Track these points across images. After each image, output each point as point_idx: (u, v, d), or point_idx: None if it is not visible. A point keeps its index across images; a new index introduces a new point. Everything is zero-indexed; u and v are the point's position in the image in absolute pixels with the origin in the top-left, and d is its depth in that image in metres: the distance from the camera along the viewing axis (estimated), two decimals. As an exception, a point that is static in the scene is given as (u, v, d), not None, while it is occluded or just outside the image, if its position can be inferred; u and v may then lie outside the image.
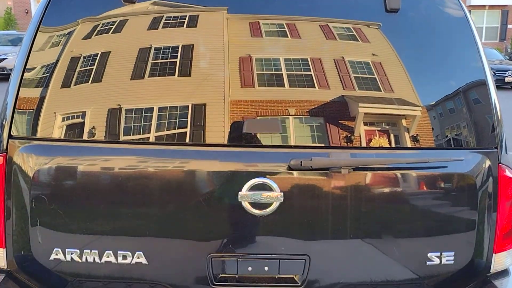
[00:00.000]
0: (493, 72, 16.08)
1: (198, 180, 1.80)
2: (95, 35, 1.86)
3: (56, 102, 1.81)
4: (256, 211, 1.74)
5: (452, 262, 1.84)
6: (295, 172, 1.75)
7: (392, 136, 1.84)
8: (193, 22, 1.87)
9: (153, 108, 1.77)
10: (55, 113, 1.80)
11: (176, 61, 1.81)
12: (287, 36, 1.90)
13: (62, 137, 1.79)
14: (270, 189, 1.73)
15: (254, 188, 1.73)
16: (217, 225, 1.80)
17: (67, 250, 1.79)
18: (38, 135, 1.79)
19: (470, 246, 1.86)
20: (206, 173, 1.79)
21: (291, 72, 1.84)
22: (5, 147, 1.79)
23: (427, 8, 2.01)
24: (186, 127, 1.77)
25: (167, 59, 1.82)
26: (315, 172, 1.75)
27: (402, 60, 1.89)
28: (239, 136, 1.78)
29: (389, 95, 1.85)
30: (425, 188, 1.86)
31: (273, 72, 1.83)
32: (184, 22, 1.87)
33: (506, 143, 1.98)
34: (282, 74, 1.83)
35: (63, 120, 1.81)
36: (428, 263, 1.83)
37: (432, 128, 1.87)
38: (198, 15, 1.89)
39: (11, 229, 1.79)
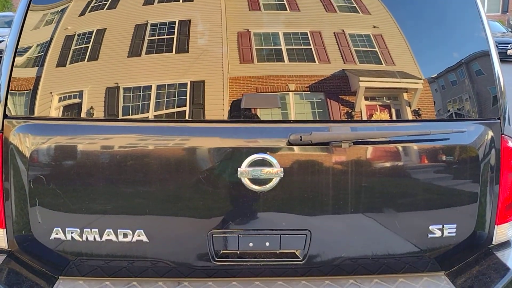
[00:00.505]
0: (496, 44, 16.06)
1: (197, 157, 1.78)
2: (89, 12, 1.82)
3: (51, 81, 1.78)
4: (256, 187, 1.72)
5: (454, 234, 1.84)
6: (295, 147, 1.73)
7: (393, 109, 1.82)
8: None
9: (151, 85, 1.75)
10: (51, 92, 1.77)
11: (173, 38, 1.78)
12: (286, 9, 1.85)
13: (59, 116, 1.77)
14: (270, 164, 1.71)
15: (254, 164, 1.71)
16: (218, 202, 1.78)
17: (67, 229, 1.79)
18: (34, 114, 1.77)
19: (472, 218, 1.86)
20: (205, 150, 1.77)
21: (290, 47, 1.81)
22: (0, 127, 1.77)
23: None
24: (184, 104, 1.74)
25: (164, 35, 1.78)
26: (315, 147, 1.73)
27: (403, 32, 1.86)
28: (238, 111, 1.75)
29: (389, 68, 1.82)
30: (426, 161, 1.83)
31: (272, 47, 1.80)
32: None
33: (510, 115, 1.95)
34: (281, 49, 1.79)
35: (59, 99, 1.78)
36: (429, 235, 1.82)
37: (434, 101, 1.84)
38: None
39: (10, 210, 1.79)
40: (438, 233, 1.83)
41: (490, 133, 1.85)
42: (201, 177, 1.74)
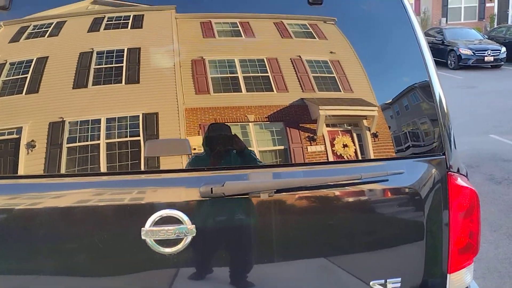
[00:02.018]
0: (473, 52, 16.32)
1: (95, 216, 1.55)
2: (24, 39, 1.61)
3: None
4: (165, 250, 1.50)
5: None
6: (208, 200, 1.51)
7: (320, 150, 1.61)
8: (138, 22, 1.66)
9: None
10: None
11: (122, 66, 1.60)
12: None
13: None
14: (179, 222, 1.49)
15: (160, 222, 1.49)
16: (123, 268, 1.56)
17: None
18: None
19: (419, 269, 1.67)
20: (102, 208, 1.54)
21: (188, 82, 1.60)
22: None
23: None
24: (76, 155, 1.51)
25: (112, 64, 1.60)
26: (233, 198, 1.51)
27: (322, 66, 1.67)
28: (140, 161, 1.53)
29: (306, 104, 1.63)
30: (362, 207, 1.65)
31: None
32: (128, 22, 1.65)
33: (454, 142, 1.77)
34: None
35: None
36: None
37: (369, 138, 1.65)
38: (143, 15, 1.67)
39: None
40: None
41: (434, 171, 1.67)
42: (99, 242, 1.52)
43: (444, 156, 1.68)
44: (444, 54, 17.35)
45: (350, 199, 1.64)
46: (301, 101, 1.61)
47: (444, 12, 26.43)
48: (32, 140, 1.49)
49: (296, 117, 1.59)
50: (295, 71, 1.62)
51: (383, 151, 1.64)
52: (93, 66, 1.57)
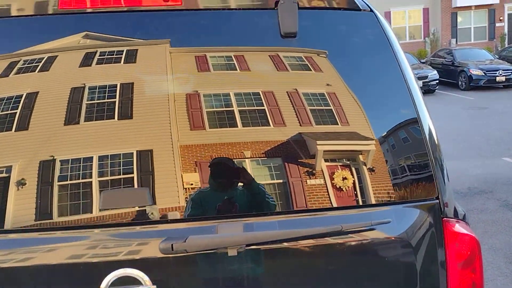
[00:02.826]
0: (484, 72, 16.19)
1: (42, 277, 1.39)
2: (14, 74, 1.55)
3: None
4: None
5: None
6: (170, 257, 1.36)
7: (298, 197, 1.47)
8: (131, 57, 1.60)
9: None
10: None
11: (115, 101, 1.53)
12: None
13: None
14: (138, 282, 1.35)
15: (117, 283, 1.35)
16: None
17: None
18: None
19: None
20: (51, 267, 1.39)
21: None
22: None
23: (333, 28, 1.68)
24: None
25: (104, 99, 1.54)
26: (195, 254, 1.38)
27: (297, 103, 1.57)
28: (92, 212, 1.42)
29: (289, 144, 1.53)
30: (344, 263, 1.49)
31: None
32: (121, 57, 1.59)
33: (448, 179, 1.61)
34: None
35: None
36: None
37: (354, 182, 1.51)
38: (137, 49, 1.60)
39: None
40: None
41: (427, 218, 1.52)
42: None
43: (437, 200, 1.53)
44: (454, 75, 17.24)
45: (332, 252, 1.48)
46: (298, 136, 1.53)
47: (453, 33, 26.41)
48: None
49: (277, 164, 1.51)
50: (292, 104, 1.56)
51: (368, 197, 1.50)
52: (85, 101, 1.52)
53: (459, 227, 1.56)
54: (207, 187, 1.46)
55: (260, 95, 1.56)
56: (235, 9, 1.65)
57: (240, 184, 1.49)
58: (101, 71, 1.57)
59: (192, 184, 1.45)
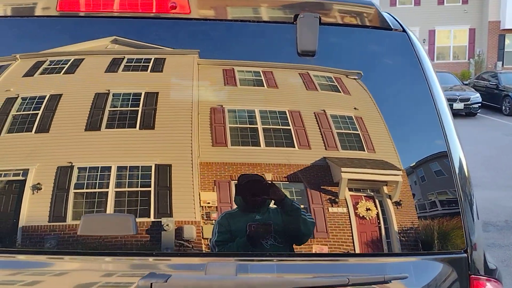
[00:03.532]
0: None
1: None
2: (39, 74, 1.53)
3: None
4: None
5: None
6: None
7: (299, 239, 1.35)
8: (158, 66, 1.55)
9: None
10: None
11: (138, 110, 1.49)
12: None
13: None
14: None
15: None
16: None
17: None
18: None
19: None
20: None
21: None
22: None
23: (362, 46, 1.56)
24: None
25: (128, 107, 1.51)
26: None
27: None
28: (73, 241, 1.33)
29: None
30: None
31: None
32: (148, 65, 1.55)
33: (479, 229, 1.42)
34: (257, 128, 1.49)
35: None
36: None
37: (366, 227, 1.36)
38: (164, 58, 1.56)
39: None
40: None
41: (451, 273, 1.35)
42: None
43: (465, 254, 1.35)
44: (498, 99, 16.69)
45: None
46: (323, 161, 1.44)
47: (500, 56, 25.60)
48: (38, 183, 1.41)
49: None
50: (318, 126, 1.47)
51: (384, 243, 1.35)
52: (108, 108, 1.48)
53: (490, 285, 1.38)
54: (235, 209, 1.37)
55: (286, 114, 1.49)
56: (256, 21, 1.57)
57: (273, 202, 1.39)
58: (126, 78, 1.53)
59: (209, 203, 1.38)
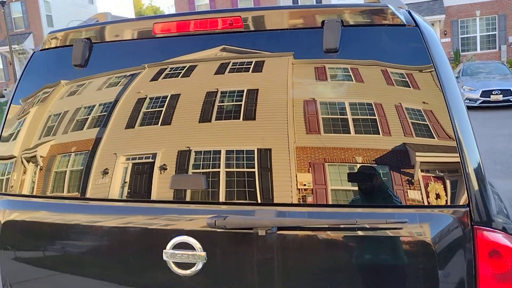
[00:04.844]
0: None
1: (128, 237, 1.79)
2: (162, 78, 1.92)
3: (20, 163, 1.99)
4: (180, 271, 1.70)
5: None
6: (218, 231, 1.67)
7: (322, 191, 1.66)
8: (258, 67, 1.85)
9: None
10: (22, 172, 1.97)
11: (241, 104, 1.81)
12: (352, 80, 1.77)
13: (24, 192, 1.96)
14: (193, 248, 1.69)
15: (178, 246, 1.70)
16: (146, 283, 1.77)
17: None
18: (7, 191, 1.99)
19: None
20: (136, 230, 1.78)
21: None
22: None
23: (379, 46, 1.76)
24: (118, 184, 1.83)
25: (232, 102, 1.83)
26: (238, 231, 1.65)
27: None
28: (165, 192, 1.77)
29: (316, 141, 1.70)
30: (360, 254, 1.61)
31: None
32: (250, 67, 1.86)
33: (488, 188, 1.60)
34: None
35: (23, 175, 1.97)
36: None
37: (378, 182, 1.63)
38: (264, 61, 1.85)
39: None
40: None
41: (455, 224, 1.56)
42: (131, 260, 1.77)
43: (467, 208, 1.56)
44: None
45: (347, 245, 1.61)
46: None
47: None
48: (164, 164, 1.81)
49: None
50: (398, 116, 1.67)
51: (394, 197, 1.61)
52: (217, 103, 1.83)
53: (494, 237, 1.55)
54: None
55: (372, 105, 1.70)
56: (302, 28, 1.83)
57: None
58: (232, 79, 1.85)
59: (305, 185, 1.68)
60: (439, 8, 25.13)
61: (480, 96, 14.82)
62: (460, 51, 25.58)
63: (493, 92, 14.72)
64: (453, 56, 25.31)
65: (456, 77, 16.45)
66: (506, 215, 1.78)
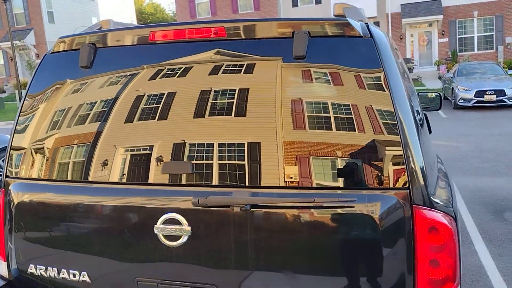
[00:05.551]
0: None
1: (125, 215, 2.05)
2: (160, 78, 2.14)
3: (32, 152, 2.26)
4: (169, 243, 1.99)
5: None
6: (201, 209, 1.95)
7: (288, 175, 1.91)
8: (249, 69, 2.05)
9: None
10: (31, 158, 2.25)
11: (233, 102, 2.02)
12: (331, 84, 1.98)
13: (35, 176, 2.23)
14: (179, 223, 1.97)
15: (167, 222, 1.98)
16: (140, 253, 2.05)
17: (37, 266, 2.21)
18: (20, 175, 2.26)
19: None
20: (132, 209, 2.04)
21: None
22: (3, 184, 2.30)
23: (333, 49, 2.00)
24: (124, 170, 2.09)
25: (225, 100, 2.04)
26: (218, 209, 1.93)
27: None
28: (158, 175, 2.03)
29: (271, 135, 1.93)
30: (318, 228, 1.87)
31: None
32: (242, 69, 2.06)
33: (427, 175, 1.85)
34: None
35: (34, 161, 2.24)
36: None
37: (333, 166, 1.88)
38: (255, 64, 2.05)
39: (8, 247, 2.27)
40: None
41: (397, 203, 1.82)
42: (128, 233, 2.04)
43: (407, 190, 1.82)
44: None
45: (307, 221, 1.87)
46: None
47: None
48: (160, 156, 2.05)
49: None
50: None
51: (342, 179, 1.87)
52: (210, 101, 2.04)
53: (431, 215, 1.81)
54: None
55: (349, 106, 1.93)
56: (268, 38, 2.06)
57: None
58: (224, 79, 2.07)
59: (291, 177, 1.91)
60: (437, 8, 25.39)
61: (474, 96, 15.10)
62: (458, 51, 25.86)
63: (487, 93, 15.00)
64: (450, 56, 25.59)
65: (451, 77, 16.99)
66: (448, 198, 2.06)
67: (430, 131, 4.21)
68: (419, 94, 4.61)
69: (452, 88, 16.04)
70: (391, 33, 26.32)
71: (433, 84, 22.86)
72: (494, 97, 14.92)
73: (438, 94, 4.61)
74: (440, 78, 24.17)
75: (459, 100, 15.39)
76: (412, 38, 26.83)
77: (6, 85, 31.88)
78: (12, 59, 29.50)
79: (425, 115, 4.10)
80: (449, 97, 16.98)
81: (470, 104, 15.23)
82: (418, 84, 23.37)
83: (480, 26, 25.94)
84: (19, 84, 22.82)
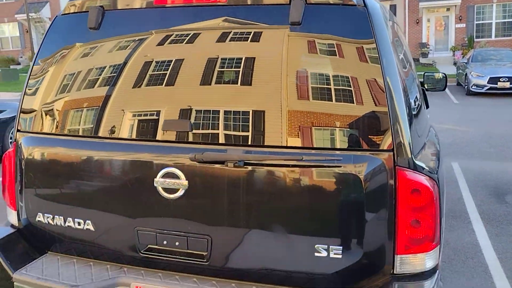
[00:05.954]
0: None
1: (128, 168, 2.17)
2: (168, 44, 2.21)
3: (39, 111, 2.38)
4: (167, 195, 2.10)
5: (340, 256, 1.97)
6: (197, 164, 2.05)
7: (279, 134, 2.00)
8: (256, 37, 2.10)
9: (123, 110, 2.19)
10: (41, 114, 2.37)
11: (239, 70, 2.09)
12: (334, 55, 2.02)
13: (44, 131, 2.35)
14: (177, 177, 2.08)
15: (166, 176, 2.09)
16: (141, 205, 2.17)
17: (45, 215, 2.35)
18: (30, 129, 2.39)
19: (359, 244, 1.96)
20: (135, 163, 2.15)
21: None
22: (15, 137, 2.44)
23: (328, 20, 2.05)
24: (129, 126, 2.19)
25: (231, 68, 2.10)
26: (213, 164, 2.03)
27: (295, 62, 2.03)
28: (160, 133, 2.13)
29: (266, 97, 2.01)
30: (307, 185, 1.97)
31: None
32: (249, 37, 2.10)
33: (412, 139, 1.93)
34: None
35: (45, 118, 2.36)
36: (316, 254, 1.99)
37: (322, 127, 1.96)
38: (261, 32, 2.10)
39: (19, 197, 2.42)
40: (324, 253, 1.98)
41: (382, 165, 1.90)
42: (129, 184, 2.16)
43: (392, 152, 1.90)
44: None
45: (297, 178, 1.97)
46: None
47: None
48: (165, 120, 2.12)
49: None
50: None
51: (328, 141, 1.96)
52: (217, 69, 2.10)
53: (414, 177, 1.90)
54: None
55: (349, 78, 1.99)
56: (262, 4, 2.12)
57: None
58: (232, 47, 2.13)
59: (282, 138, 1.98)
60: (456, -8, 24.94)
61: (487, 83, 14.97)
62: (475, 37, 25.45)
63: (500, 79, 14.85)
64: (466, 42, 25.21)
65: (465, 63, 16.82)
66: (434, 165, 2.15)
67: (427, 106, 4.27)
68: (426, 74, 4.67)
69: (466, 74, 15.89)
70: (407, 16, 25.94)
71: (447, 69, 22.58)
72: (507, 84, 14.78)
73: (444, 75, 4.66)
74: (455, 64, 23.85)
75: (472, 86, 15.27)
76: (428, 23, 26.44)
77: (21, 57, 32.16)
78: (27, 32, 29.72)
79: (423, 90, 4.16)
80: (462, 83, 16.83)
81: (483, 91, 15.11)
82: (432, 69, 23.11)
83: (499, 12, 25.46)
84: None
